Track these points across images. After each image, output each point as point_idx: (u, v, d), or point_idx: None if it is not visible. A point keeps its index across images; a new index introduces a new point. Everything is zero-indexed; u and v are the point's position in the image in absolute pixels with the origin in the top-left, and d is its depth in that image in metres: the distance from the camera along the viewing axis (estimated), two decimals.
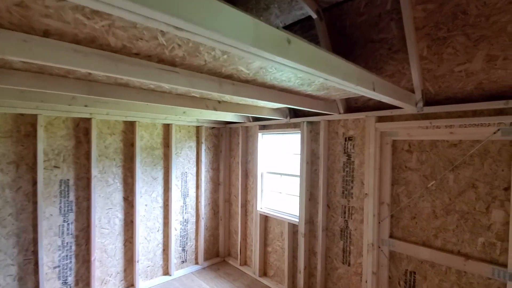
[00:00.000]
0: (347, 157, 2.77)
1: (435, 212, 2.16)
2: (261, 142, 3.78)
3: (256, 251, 3.72)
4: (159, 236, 3.69)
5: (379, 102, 2.49)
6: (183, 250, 3.94)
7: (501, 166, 1.87)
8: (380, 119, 2.47)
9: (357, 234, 2.67)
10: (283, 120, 3.36)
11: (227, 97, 2.42)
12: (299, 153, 3.15)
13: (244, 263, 4.06)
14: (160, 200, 3.69)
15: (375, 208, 2.45)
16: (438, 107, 2.11)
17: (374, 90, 1.54)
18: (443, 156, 2.13)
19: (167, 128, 3.72)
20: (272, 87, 1.98)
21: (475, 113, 1.98)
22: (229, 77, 1.72)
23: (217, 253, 4.36)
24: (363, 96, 2.56)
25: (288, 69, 1.10)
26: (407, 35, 1.95)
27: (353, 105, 2.70)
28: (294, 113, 3.31)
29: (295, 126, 3.31)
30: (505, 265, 1.81)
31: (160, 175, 3.67)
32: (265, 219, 3.73)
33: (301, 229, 3.10)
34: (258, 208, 3.72)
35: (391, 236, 2.41)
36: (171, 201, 3.72)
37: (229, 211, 4.36)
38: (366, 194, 2.51)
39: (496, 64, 1.84)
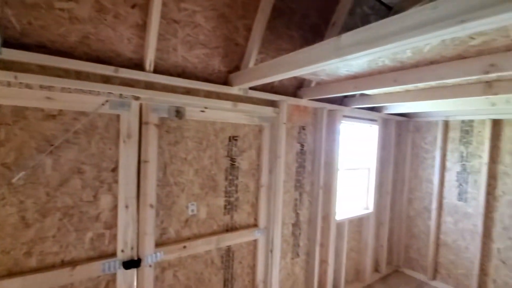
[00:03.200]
0: None
1: (25, 218, 1.41)
2: None
3: None
4: None
5: None
6: None
7: (109, 144, 1.61)
8: None
9: None
10: None
11: None
12: None
13: None
14: None
15: None
16: (27, 54, 1.33)
17: None
18: (37, 133, 1.42)
19: None
20: None
21: (80, 76, 1.50)
22: None
23: None
24: None
25: None
26: None
27: None
28: None
29: None
30: (114, 254, 1.63)
31: None
32: None
33: None
34: None
35: None
36: None
37: None
38: None
39: (106, 19, 1.48)
